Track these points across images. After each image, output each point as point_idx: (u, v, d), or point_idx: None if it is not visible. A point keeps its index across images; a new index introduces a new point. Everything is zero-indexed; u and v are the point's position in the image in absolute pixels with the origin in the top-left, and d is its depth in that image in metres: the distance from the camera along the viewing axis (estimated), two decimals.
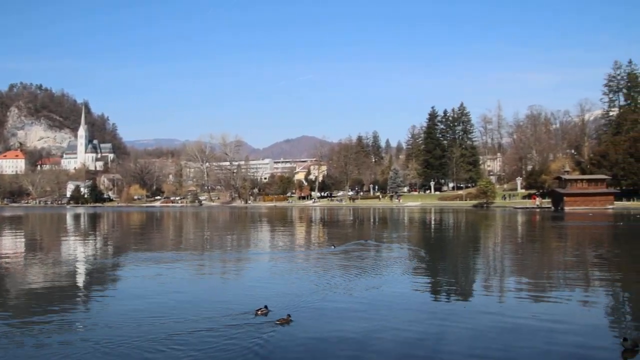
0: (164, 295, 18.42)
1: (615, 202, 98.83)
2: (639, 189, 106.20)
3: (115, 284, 22.01)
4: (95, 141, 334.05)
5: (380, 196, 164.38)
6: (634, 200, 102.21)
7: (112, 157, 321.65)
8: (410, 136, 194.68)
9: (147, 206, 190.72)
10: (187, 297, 17.85)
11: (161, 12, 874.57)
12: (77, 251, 36.19)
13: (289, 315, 14.05)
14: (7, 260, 31.02)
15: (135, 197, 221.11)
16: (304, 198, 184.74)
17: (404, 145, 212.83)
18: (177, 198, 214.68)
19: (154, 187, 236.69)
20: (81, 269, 26.95)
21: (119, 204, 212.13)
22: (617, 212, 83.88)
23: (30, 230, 63.89)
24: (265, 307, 14.89)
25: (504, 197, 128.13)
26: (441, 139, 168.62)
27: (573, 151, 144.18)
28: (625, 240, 41.29)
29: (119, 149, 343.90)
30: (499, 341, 12.28)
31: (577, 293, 18.29)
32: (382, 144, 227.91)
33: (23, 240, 48.18)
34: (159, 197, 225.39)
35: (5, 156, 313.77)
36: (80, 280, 23.47)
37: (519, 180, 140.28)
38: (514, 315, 14.65)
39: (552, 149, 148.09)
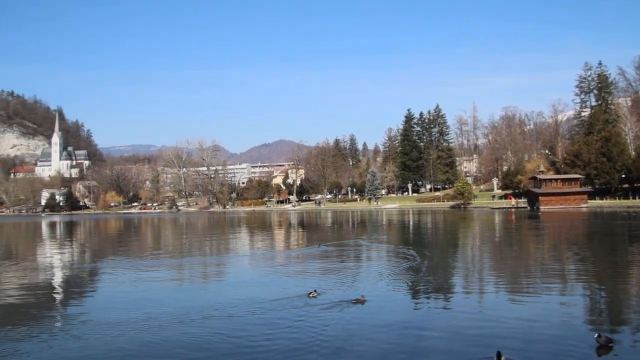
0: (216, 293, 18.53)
1: (589, 201, 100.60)
2: (611, 187, 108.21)
3: (90, 291, 22.03)
4: (70, 148, 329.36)
5: (359, 199, 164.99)
6: (606, 199, 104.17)
7: (87, 164, 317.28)
8: (387, 139, 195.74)
9: (124, 213, 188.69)
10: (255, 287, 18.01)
11: (136, 17, 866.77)
12: (57, 259, 35.86)
13: (362, 296, 16.61)
14: None
15: (112, 204, 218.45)
16: (282, 202, 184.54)
17: (381, 148, 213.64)
18: (155, 204, 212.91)
19: (131, 194, 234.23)
20: (64, 276, 26.80)
21: (96, 211, 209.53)
22: (592, 210, 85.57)
23: (4, 239, 62.98)
24: (315, 290, 17.66)
25: (493, 197, 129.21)
26: (418, 141, 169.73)
27: (547, 151, 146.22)
28: (599, 237, 42.19)
29: (95, 156, 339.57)
30: (479, 339, 12.65)
31: (553, 290, 18.78)
32: (360, 146, 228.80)
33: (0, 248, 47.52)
34: (136, 204, 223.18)
35: None
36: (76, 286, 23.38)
37: (495, 181, 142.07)
38: (493, 314, 15.06)
39: (527, 149, 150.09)
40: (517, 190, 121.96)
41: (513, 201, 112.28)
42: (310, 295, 17.37)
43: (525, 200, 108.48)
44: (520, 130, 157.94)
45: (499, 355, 10.72)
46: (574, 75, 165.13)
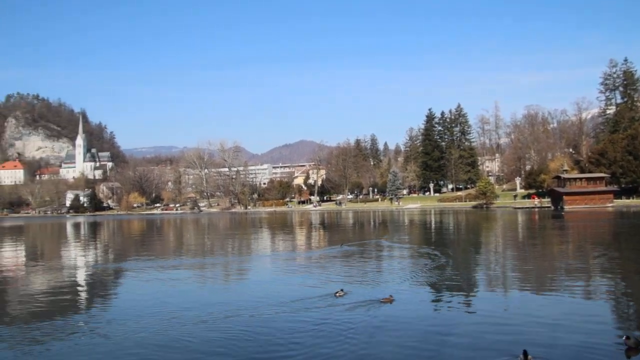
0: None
1: (615, 200, 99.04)
2: (638, 186, 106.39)
3: (114, 291, 22.25)
4: (93, 150, 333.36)
5: (380, 199, 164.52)
6: (633, 198, 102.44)
7: (110, 166, 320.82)
8: (408, 138, 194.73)
9: (146, 214, 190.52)
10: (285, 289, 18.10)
11: (157, 22, 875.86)
12: (81, 259, 36.31)
13: (391, 295, 16.79)
14: (9, 269, 31.19)
15: (135, 205, 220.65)
16: (303, 202, 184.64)
17: (402, 148, 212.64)
18: (177, 205, 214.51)
19: (153, 195, 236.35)
20: (89, 276, 27.13)
21: (119, 212, 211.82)
22: (617, 210, 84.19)
23: (31, 240, 63.99)
24: (342, 289, 17.84)
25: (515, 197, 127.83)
26: (439, 140, 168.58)
27: (571, 150, 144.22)
28: (625, 237, 41.49)
29: (118, 157, 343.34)
30: (504, 339, 12.51)
31: (579, 291, 18.50)
32: (381, 146, 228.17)
33: (25, 249, 48.34)
34: (158, 205, 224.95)
35: (3, 167, 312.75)
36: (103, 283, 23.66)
37: (518, 180, 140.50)
38: (518, 314, 14.87)
39: (551, 148, 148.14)
40: (540, 190, 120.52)
41: (536, 201, 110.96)
42: (337, 294, 17.46)
43: (549, 199, 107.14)
44: (543, 129, 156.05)
45: (525, 354, 10.64)
46: (599, 72, 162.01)
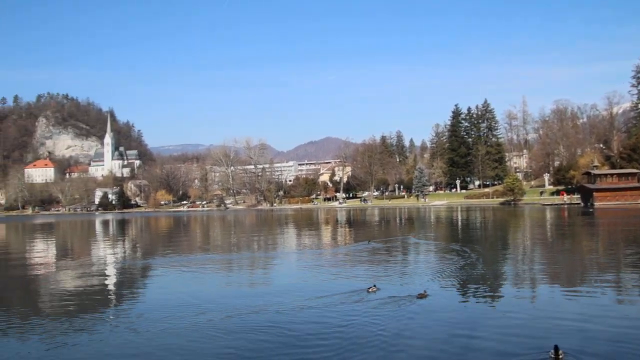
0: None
1: None
2: None
3: (143, 286, 22.51)
4: (121, 148, 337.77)
5: (406, 196, 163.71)
6: None
7: (138, 164, 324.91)
8: (434, 135, 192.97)
9: (174, 211, 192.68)
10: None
11: (183, 22, 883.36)
12: (110, 255, 36.84)
13: (425, 291, 16.86)
14: (41, 264, 31.78)
15: (162, 203, 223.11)
16: (329, 199, 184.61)
17: (428, 144, 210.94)
18: (203, 202, 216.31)
19: (180, 192, 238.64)
20: (118, 272, 27.50)
21: (147, 210, 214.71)
22: None
23: (61, 236, 65.17)
24: (374, 285, 17.84)
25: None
26: (466, 136, 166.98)
27: (602, 145, 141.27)
28: None
29: (145, 155, 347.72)
30: (533, 335, 12.31)
31: (610, 289, 18.09)
32: (406, 143, 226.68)
33: (56, 246, 49.26)
34: (185, 202, 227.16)
35: (35, 165, 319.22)
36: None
37: (546, 177, 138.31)
38: (547, 312, 14.60)
39: (580, 143, 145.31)
40: (569, 186, 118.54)
41: (565, 197, 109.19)
42: (370, 290, 17.51)
43: (579, 196, 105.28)
44: (572, 124, 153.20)
45: (556, 349, 10.53)
46: (630, 65, 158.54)
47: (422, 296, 16.47)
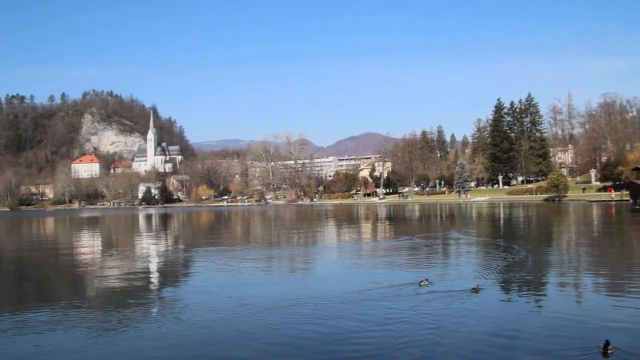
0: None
1: None
2: None
3: (185, 278, 22.75)
4: (163, 144, 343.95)
5: (447, 191, 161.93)
6: None
7: (180, 159, 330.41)
8: (475, 130, 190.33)
9: (215, 206, 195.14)
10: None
11: (223, 18, 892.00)
12: (154, 248, 37.46)
13: (478, 285, 16.92)
14: (87, 257, 32.55)
15: (203, 197, 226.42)
16: (369, 195, 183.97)
17: (470, 139, 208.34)
18: (244, 197, 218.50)
19: (221, 187, 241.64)
20: (161, 264, 27.92)
21: (188, 204, 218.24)
22: None
23: (107, 230, 66.75)
24: (426, 279, 17.82)
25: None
26: (508, 131, 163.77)
27: None
28: None
29: (187, 151, 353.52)
30: (579, 334, 11.93)
31: None
32: (447, 138, 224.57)
33: (101, 239, 50.50)
34: (226, 197, 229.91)
35: (81, 161, 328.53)
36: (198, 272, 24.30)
37: (592, 172, 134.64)
38: (593, 312, 14.08)
39: (629, 138, 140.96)
40: (617, 183, 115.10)
41: (613, 194, 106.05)
42: (422, 283, 17.48)
43: (627, 192, 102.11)
44: (621, 118, 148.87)
45: (606, 343, 10.24)
46: None
47: (475, 290, 16.36)
